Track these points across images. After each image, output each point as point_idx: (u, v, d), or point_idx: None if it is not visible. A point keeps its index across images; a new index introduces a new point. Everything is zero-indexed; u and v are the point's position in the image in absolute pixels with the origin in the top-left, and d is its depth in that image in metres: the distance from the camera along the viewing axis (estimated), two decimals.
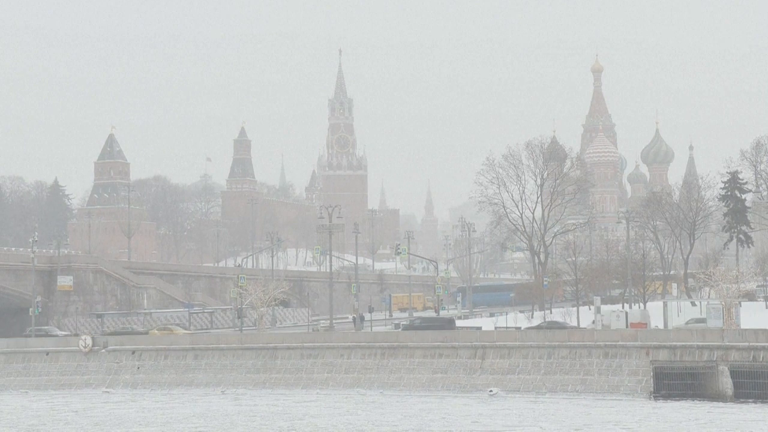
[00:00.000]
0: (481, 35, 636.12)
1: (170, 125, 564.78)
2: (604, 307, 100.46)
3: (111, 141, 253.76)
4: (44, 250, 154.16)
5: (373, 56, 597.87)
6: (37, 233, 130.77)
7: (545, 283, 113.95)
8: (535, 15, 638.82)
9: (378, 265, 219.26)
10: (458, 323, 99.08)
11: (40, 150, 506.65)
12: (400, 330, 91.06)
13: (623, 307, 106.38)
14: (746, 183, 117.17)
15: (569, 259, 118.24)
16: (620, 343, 71.52)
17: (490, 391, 72.72)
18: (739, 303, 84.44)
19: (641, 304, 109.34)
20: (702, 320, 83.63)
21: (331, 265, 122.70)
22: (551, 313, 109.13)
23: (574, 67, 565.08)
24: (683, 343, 69.49)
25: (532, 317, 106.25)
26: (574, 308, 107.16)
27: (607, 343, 72.01)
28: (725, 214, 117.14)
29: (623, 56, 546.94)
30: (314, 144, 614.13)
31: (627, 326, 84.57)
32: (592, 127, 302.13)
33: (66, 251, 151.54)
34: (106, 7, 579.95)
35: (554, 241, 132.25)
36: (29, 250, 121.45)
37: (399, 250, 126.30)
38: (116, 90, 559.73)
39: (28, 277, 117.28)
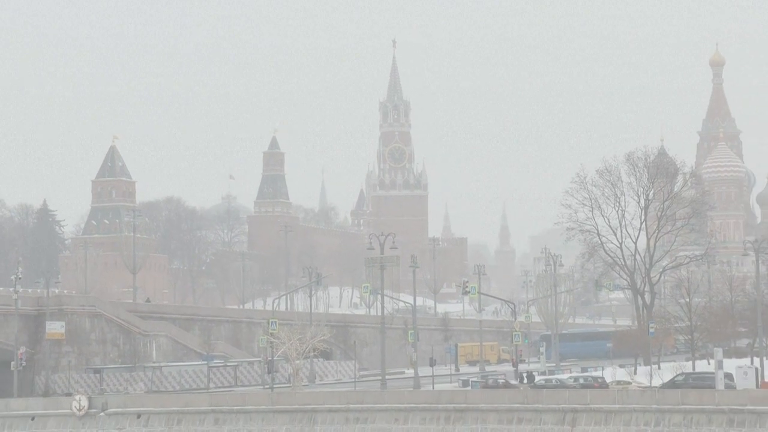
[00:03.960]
0: (568, 24, 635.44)
1: (184, 136, 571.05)
2: (728, 362, 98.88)
3: (112, 155, 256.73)
4: (30, 290, 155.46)
5: (432, 52, 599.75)
6: (21, 269, 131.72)
7: (651, 330, 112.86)
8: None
9: (441, 308, 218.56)
10: None
11: (25, 166, 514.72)
12: (469, 389, 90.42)
13: (752, 361, 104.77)
14: None
15: (681, 301, 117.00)
16: (749, 407, 70.34)
17: None
18: None
19: None
20: None
21: (383, 308, 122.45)
22: (659, 368, 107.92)
23: (687, 60, 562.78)
24: None
25: (635, 373, 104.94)
26: (689, 362, 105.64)
27: (732, 407, 70.83)
28: None
29: (749, 48, 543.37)
30: (362, 158, 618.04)
31: (758, 386, 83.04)
32: (711, 135, 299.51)
33: (57, 291, 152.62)
34: (108, 6, 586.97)
35: (663, 277, 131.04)
36: (11, 289, 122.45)
37: (467, 289, 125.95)
38: (119, 96, 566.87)
39: (10, 324, 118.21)
